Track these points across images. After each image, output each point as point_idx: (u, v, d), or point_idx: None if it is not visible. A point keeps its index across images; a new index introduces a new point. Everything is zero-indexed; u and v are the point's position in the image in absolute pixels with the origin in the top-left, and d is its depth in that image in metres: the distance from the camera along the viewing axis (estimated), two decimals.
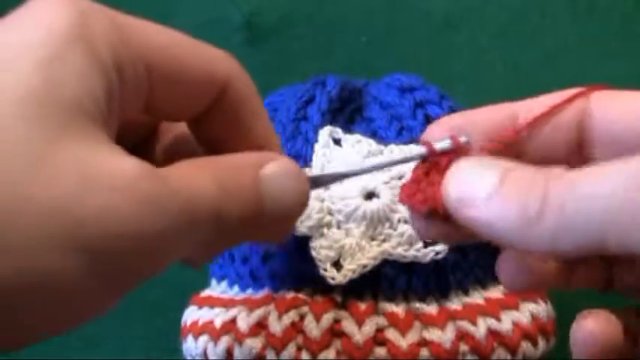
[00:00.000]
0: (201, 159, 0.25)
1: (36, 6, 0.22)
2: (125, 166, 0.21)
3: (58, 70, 0.21)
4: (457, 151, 0.28)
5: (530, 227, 0.22)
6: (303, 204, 0.26)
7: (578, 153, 0.28)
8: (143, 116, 0.27)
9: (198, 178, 0.23)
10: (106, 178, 0.20)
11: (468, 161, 0.25)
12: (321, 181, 0.30)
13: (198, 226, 0.23)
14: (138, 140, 0.29)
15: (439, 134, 0.28)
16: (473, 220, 0.24)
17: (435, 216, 0.26)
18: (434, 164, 0.27)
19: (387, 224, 0.35)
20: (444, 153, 0.28)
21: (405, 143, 0.37)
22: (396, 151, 0.37)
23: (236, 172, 0.25)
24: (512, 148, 0.28)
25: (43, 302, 0.20)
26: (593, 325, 0.27)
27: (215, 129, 0.27)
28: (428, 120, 0.39)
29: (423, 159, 0.28)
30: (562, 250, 0.22)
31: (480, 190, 0.24)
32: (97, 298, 0.21)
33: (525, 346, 0.36)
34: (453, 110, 0.39)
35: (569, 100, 0.28)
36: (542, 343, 0.36)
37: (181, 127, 0.29)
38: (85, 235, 0.20)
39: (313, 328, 0.34)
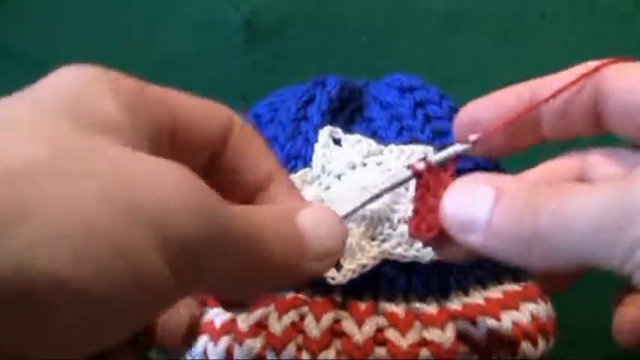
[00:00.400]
0: (245, 206, 0.25)
1: (65, 70, 0.24)
2: (168, 163, 0.22)
3: (91, 105, 0.22)
4: (433, 171, 0.28)
5: (525, 252, 0.24)
6: (339, 248, 0.27)
7: (594, 124, 0.29)
8: None
9: (248, 213, 0.24)
10: (153, 167, 0.21)
11: (459, 186, 0.26)
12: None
13: (237, 250, 0.23)
14: None
15: (467, 120, 0.30)
16: (473, 245, 0.25)
17: (443, 240, 0.27)
18: (426, 188, 0.28)
19: (387, 224, 0.35)
20: (430, 170, 0.28)
21: (405, 143, 0.37)
22: (395, 151, 0.37)
23: (277, 214, 0.26)
24: (530, 124, 0.30)
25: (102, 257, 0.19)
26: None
27: (223, 172, 0.28)
28: (428, 120, 0.39)
29: (416, 176, 0.29)
30: (553, 270, 0.25)
31: (476, 215, 0.25)
32: (158, 273, 0.21)
33: (525, 346, 0.36)
34: (453, 110, 0.39)
35: (585, 76, 0.28)
36: (542, 343, 0.36)
37: None
38: (139, 200, 0.20)
39: (313, 328, 0.34)
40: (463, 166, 0.36)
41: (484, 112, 0.30)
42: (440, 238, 0.27)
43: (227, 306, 0.30)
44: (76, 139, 0.21)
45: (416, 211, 0.29)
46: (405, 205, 0.35)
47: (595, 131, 0.29)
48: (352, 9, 0.59)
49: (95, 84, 0.23)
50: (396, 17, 0.59)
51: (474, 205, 0.25)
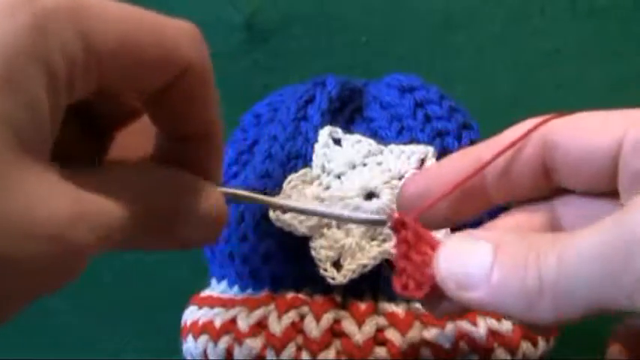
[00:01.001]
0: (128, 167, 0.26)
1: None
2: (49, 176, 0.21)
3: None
4: (411, 225, 0.27)
5: (532, 306, 0.23)
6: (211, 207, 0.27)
7: (543, 182, 0.28)
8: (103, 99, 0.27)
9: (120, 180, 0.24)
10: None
11: (453, 243, 0.25)
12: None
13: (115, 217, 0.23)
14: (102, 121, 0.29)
15: (414, 191, 0.29)
16: (476, 303, 0.24)
17: (434, 296, 0.26)
18: (407, 244, 0.27)
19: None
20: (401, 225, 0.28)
21: (405, 143, 0.37)
22: (395, 151, 0.37)
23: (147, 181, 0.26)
24: (475, 190, 0.29)
25: None
26: None
27: (168, 109, 0.27)
28: (428, 120, 0.39)
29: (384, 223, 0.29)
30: (566, 320, 0.23)
31: (475, 272, 0.24)
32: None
33: (525, 346, 0.36)
34: (453, 110, 0.39)
35: (527, 134, 0.28)
36: (542, 343, 0.36)
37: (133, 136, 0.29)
38: None
39: (313, 328, 0.34)
40: None
41: (430, 182, 0.29)
42: (431, 294, 0.26)
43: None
44: None
45: (401, 270, 0.27)
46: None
47: (544, 189, 0.28)
48: (352, 9, 0.59)
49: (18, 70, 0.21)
50: (396, 17, 0.59)
51: (471, 261, 0.24)
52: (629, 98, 0.29)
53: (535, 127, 0.28)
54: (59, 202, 0.21)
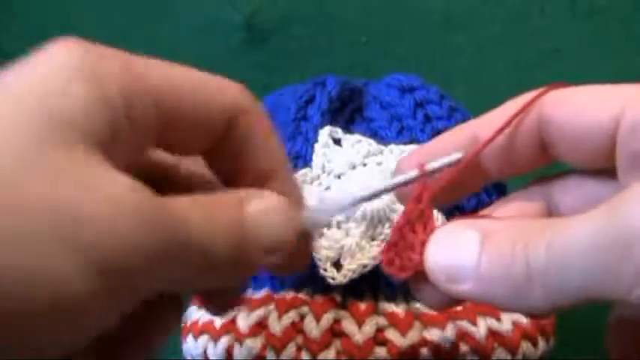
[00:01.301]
0: (196, 196, 0.25)
1: (50, 48, 0.23)
2: (120, 180, 0.21)
3: (59, 100, 0.21)
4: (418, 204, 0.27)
5: (521, 295, 0.23)
6: (287, 240, 0.26)
7: (541, 156, 0.28)
8: (160, 155, 0.27)
9: (192, 209, 0.23)
10: (101, 188, 0.20)
11: (441, 235, 0.25)
12: (325, 212, 0.29)
13: (185, 253, 0.22)
14: (158, 180, 0.30)
15: (409, 167, 0.28)
16: (465, 295, 0.24)
17: (420, 282, 0.26)
18: (407, 220, 0.27)
19: (387, 224, 0.35)
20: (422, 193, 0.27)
21: (405, 143, 0.37)
22: (395, 151, 0.37)
23: (222, 209, 0.25)
24: (472, 172, 0.28)
25: (42, 304, 0.19)
26: None
27: (227, 158, 0.27)
28: (428, 120, 0.39)
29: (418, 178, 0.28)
30: (557, 308, 0.23)
31: (463, 263, 0.24)
32: (95, 306, 0.21)
33: (525, 346, 0.36)
34: (453, 110, 0.39)
35: (523, 109, 0.27)
36: (542, 343, 0.36)
37: (195, 164, 0.29)
38: (81, 235, 0.20)
39: (313, 328, 0.34)
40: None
41: (426, 160, 0.28)
42: (416, 280, 0.26)
43: (210, 309, 0.30)
44: (31, 159, 0.20)
45: (392, 243, 0.27)
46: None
47: (542, 163, 0.28)
48: (352, 9, 0.59)
49: (67, 75, 0.22)
50: (396, 17, 0.59)
51: (459, 252, 0.24)
52: None
53: (532, 101, 0.27)
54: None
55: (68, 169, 0.20)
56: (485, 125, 0.28)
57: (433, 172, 0.27)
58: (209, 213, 0.24)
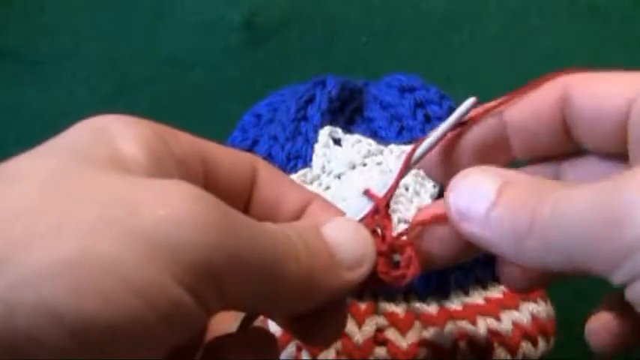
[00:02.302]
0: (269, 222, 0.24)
1: (92, 118, 0.23)
2: (183, 184, 0.21)
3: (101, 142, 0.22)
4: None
5: (521, 246, 0.23)
6: (369, 254, 0.26)
7: (564, 139, 0.28)
8: None
9: (274, 226, 0.23)
10: (166, 189, 0.20)
11: (467, 174, 0.26)
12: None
13: (270, 260, 0.22)
14: None
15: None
16: (470, 234, 0.25)
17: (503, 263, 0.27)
18: (377, 238, 0.27)
19: None
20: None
21: (405, 143, 0.37)
22: (395, 151, 0.37)
23: (301, 229, 0.24)
24: (499, 144, 0.29)
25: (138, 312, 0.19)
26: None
27: (259, 209, 0.28)
28: (428, 120, 0.39)
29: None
30: (549, 268, 0.23)
31: (477, 205, 0.24)
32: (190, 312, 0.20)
33: (525, 346, 0.36)
34: (452, 110, 0.39)
35: (518, 94, 0.28)
36: (542, 343, 0.36)
37: None
38: (143, 224, 0.19)
39: None
40: None
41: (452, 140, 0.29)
42: (501, 263, 0.28)
43: (306, 343, 0.30)
44: (74, 174, 0.20)
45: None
46: (405, 205, 0.35)
47: (566, 148, 0.29)
48: (352, 9, 0.59)
49: (116, 126, 0.23)
50: (396, 17, 0.59)
51: (477, 194, 0.25)
52: None
53: (538, 84, 0.28)
54: None
55: (114, 180, 0.20)
56: (510, 107, 0.29)
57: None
58: (295, 233, 0.24)
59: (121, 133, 0.22)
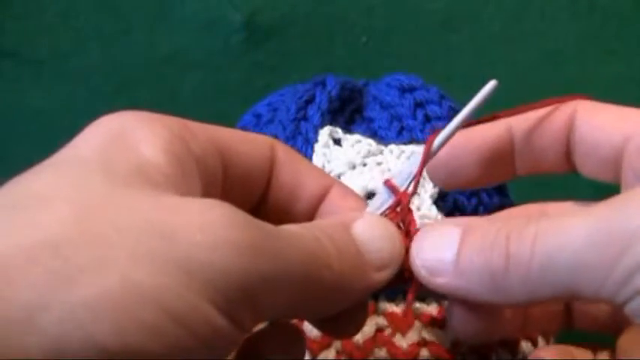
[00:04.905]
0: (297, 224, 0.24)
1: (107, 117, 0.23)
2: (210, 203, 0.21)
3: (115, 152, 0.22)
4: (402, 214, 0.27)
5: (500, 285, 0.23)
6: (397, 255, 0.26)
7: (565, 161, 0.29)
8: None
9: (299, 232, 0.23)
10: (191, 211, 0.20)
11: (426, 229, 0.26)
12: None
13: (299, 276, 0.22)
14: None
15: (443, 157, 0.29)
16: (444, 287, 0.25)
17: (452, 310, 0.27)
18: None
19: None
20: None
21: (405, 143, 0.37)
22: (395, 151, 0.37)
23: (330, 229, 0.24)
24: (504, 159, 0.29)
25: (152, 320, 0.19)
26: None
27: (278, 198, 0.28)
28: (428, 120, 0.39)
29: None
30: (537, 301, 0.23)
31: (443, 256, 0.24)
32: (225, 335, 0.20)
33: (525, 346, 0.36)
34: (452, 110, 0.39)
35: (546, 105, 0.28)
36: (542, 343, 0.36)
37: None
38: (178, 251, 0.19)
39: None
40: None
41: (459, 150, 0.29)
42: (449, 310, 0.27)
43: (332, 334, 0.29)
44: (106, 196, 0.20)
45: None
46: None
47: (565, 169, 0.29)
48: (352, 9, 0.59)
49: (134, 128, 0.22)
50: (396, 17, 0.59)
51: (439, 246, 0.24)
52: (629, 98, 0.29)
53: (562, 101, 0.28)
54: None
55: (144, 203, 0.20)
56: (519, 118, 0.29)
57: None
58: (326, 237, 0.23)
59: (142, 139, 0.22)
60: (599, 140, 0.27)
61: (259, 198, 0.27)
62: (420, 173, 0.27)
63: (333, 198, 0.28)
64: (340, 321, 0.26)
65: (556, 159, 0.29)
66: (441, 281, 0.24)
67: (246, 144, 0.26)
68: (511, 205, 0.38)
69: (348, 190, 0.29)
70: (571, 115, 0.28)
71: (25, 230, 0.18)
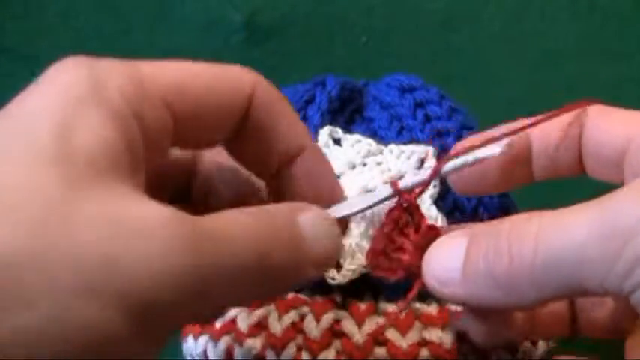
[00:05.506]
0: (243, 208, 0.24)
1: (53, 72, 0.23)
2: (150, 211, 0.21)
3: (71, 132, 0.21)
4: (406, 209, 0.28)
5: (508, 292, 0.23)
6: (334, 254, 0.27)
7: (578, 165, 0.29)
8: (179, 156, 0.27)
9: (240, 222, 0.23)
10: (130, 223, 0.20)
11: (436, 243, 0.26)
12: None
13: (238, 269, 0.22)
14: (180, 184, 0.29)
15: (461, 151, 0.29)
16: (454, 297, 0.25)
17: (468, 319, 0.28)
18: (395, 224, 0.28)
19: None
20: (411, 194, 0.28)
21: (405, 143, 0.37)
22: (395, 151, 0.37)
23: (276, 218, 0.24)
24: (522, 164, 0.30)
25: (77, 354, 0.19)
26: None
27: (250, 143, 0.27)
28: (428, 120, 0.39)
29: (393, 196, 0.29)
30: (546, 301, 0.23)
31: (451, 267, 0.25)
32: (132, 347, 0.20)
33: (525, 345, 0.36)
34: (453, 110, 0.39)
35: (561, 113, 0.28)
36: (542, 343, 0.36)
37: (218, 155, 0.29)
38: (114, 281, 0.19)
39: (313, 328, 0.34)
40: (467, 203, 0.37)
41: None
42: (465, 318, 0.28)
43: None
44: (60, 203, 0.20)
45: (378, 249, 0.28)
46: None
47: (577, 173, 0.30)
48: (352, 9, 0.59)
49: (88, 93, 0.22)
50: (396, 17, 0.59)
51: (447, 257, 0.25)
52: (629, 98, 0.29)
53: (552, 116, 0.28)
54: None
55: (93, 213, 0.20)
56: (537, 127, 0.29)
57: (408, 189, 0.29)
58: (267, 225, 0.23)
59: (95, 112, 0.22)
60: (604, 142, 0.28)
61: (232, 135, 0.27)
62: (427, 184, 0.28)
63: (306, 160, 0.28)
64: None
65: (572, 163, 0.29)
66: (450, 291, 0.25)
67: (219, 81, 0.26)
68: (512, 204, 0.38)
69: (322, 159, 0.29)
70: (584, 119, 0.29)
71: None
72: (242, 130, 0.27)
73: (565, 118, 0.29)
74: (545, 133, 0.29)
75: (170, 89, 0.24)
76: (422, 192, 0.28)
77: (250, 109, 0.26)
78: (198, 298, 0.21)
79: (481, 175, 0.30)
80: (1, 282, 0.18)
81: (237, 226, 0.22)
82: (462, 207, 0.37)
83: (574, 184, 0.32)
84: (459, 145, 0.29)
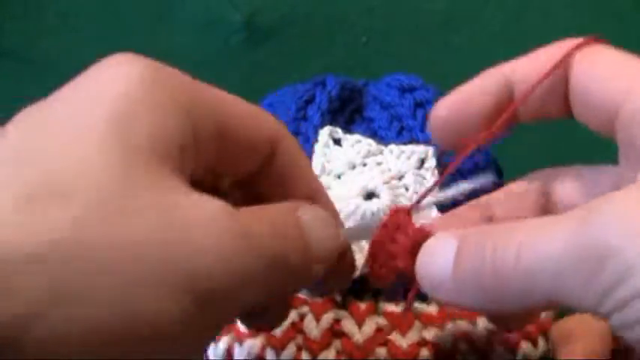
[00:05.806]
0: (251, 208, 0.24)
1: (111, 62, 0.23)
2: (201, 203, 0.21)
3: (129, 121, 0.21)
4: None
5: (491, 298, 0.23)
6: (335, 250, 0.26)
7: (564, 107, 0.28)
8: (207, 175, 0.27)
9: (259, 221, 0.23)
10: (184, 213, 0.20)
11: (426, 246, 0.26)
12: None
13: (281, 267, 0.23)
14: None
15: (447, 114, 0.29)
16: (446, 300, 0.25)
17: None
18: (388, 236, 0.28)
19: None
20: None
21: (405, 143, 0.37)
22: (395, 151, 0.37)
23: (281, 217, 0.24)
24: (506, 104, 0.29)
25: (146, 347, 0.19)
26: None
27: (269, 183, 0.28)
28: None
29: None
30: (526, 310, 0.23)
31: (441, 273, 0.25)
32: (195, 335, 0.21)
33: (525, 346, 0.36)
34: None
35: (559, 65, 0.27)
36: (542, 343, 0.36)
37: None
38: (177, 269, 0.19)
39: (313, 328, 0.34)
40: (463, 166, 0.36)
41: (462, 105, 0.29)
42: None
43: (253, 327, 0.30)
44: (122, 186, 0.20)
45: (373, 256, 0.29)
46: (404, 204, 0.35)
47: (562, 114, 0.28)
48: (352, 9, 0.59)
49: (146, 92, 0.22)
50: (396, 17, 0.59)
51: (438, 260, 0.25)
52: None
53: (567, 55, 0.27)
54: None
55: (150, 202, 0.20)
56: (518, 71, 0.28)
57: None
58: (275, 223, 0.24)
59: (156, 104, 0.22)
60: (593, 91, 0.26)
61: (248, 177, 0.27)
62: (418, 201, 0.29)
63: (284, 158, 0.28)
64: (265, 314, 0.27)
65: (558, 105, 0.28)
66: (443, 295, 0.25)
67: (250, 118, 0.26)
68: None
69: (332, 208, 0.29)
70: (569, 61, 0.27)
71: (33, 227, 0.18)
72: (265, 169, 0.27)
73: (547, 61, 0.28)
74: (527, 76, 0.28)
75: (218, 109, 0.25)
76: (419, 201, 0.29)
77: (276, 151, 0.27)
78: (245, 291, 0.21)
79: (465, 130, 0.29)
80: (58, 275, 0.18)
81: (264, 226, 0.23)
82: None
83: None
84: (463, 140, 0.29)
